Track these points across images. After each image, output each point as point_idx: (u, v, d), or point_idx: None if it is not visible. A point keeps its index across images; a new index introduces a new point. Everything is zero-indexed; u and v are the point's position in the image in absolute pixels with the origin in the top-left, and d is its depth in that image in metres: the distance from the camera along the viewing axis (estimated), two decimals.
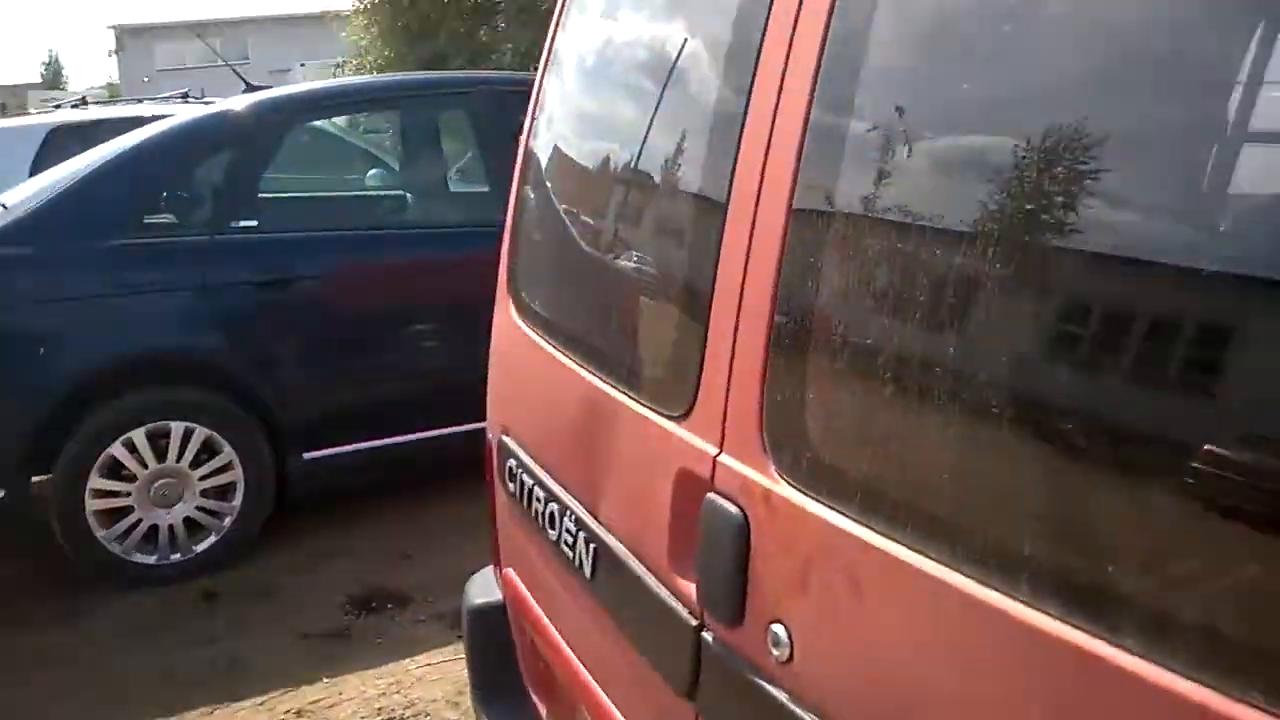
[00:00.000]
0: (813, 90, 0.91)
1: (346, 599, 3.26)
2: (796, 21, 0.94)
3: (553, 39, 1.58)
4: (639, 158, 1.31)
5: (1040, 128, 0.71)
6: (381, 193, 4.91)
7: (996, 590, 0.70)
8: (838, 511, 0.85)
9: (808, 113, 0.91)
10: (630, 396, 1.22)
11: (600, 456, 1.31)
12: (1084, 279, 0.70)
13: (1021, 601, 0.68)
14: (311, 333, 3.60)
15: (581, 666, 1.38)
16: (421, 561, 3.49)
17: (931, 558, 0.76)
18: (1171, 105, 0.68)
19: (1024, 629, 0.67)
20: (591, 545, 1.30)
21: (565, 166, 1.55)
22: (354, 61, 18.86)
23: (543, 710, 1.68)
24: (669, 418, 1.11)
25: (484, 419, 1.76)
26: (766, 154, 0.96)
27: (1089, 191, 0.68)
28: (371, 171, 5.21)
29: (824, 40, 0.90)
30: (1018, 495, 0.74)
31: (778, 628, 0.92)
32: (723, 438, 1.01)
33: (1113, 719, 0.63)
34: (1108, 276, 0.69)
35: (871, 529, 0.82)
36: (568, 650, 1.43)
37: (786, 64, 0.95)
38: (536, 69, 1.62)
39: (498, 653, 1.79)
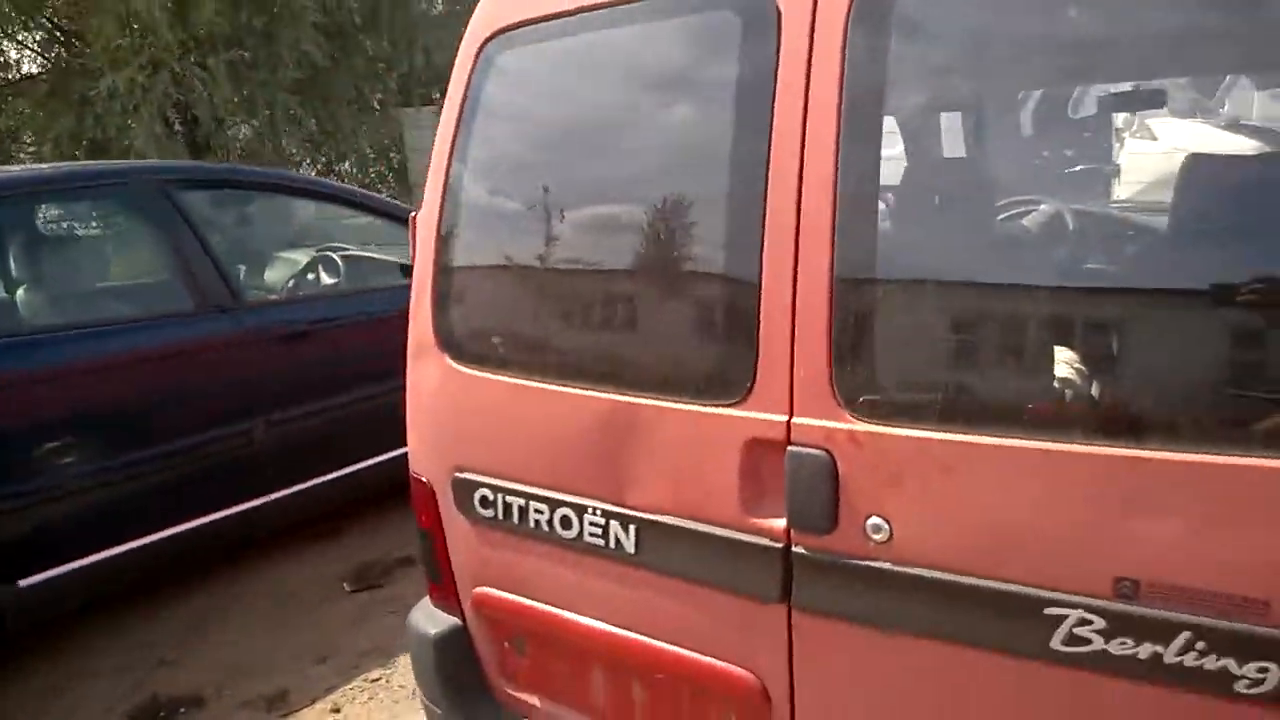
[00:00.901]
0: (838, 126, 1.35)
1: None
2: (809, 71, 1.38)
3: (466, 96, 1.78)
4: (637, 198, 1.62)
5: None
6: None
7: (1054, 442, 1.21)
8: (919, 429, 1.31)
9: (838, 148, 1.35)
10: (666, 400, 1.54)
11: (625, 455, 1.60)
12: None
13: (1076, 442, 1.20)
14: None
15: (622, 630, 1.67)
16: (186, 663, 3.25)
17: (999, 435, 1.25)
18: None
19: (1079, 460, 1.20)
20: (630, 527, 1.60)
21: (535, 220, 1.76)
22: None
23: (534, 701, 1.90)
24: (724, 405, 1.48)
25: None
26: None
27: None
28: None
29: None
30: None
31: (877, 520, 1.35)
32: (791, 407, 1.41)
33: (1149, 502, 1.17)
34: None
35: (948, 431, 1.29)
36: (598, 624, 1.71)
37: (807, 104, 1.37)
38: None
39: (467, 669, 1.96)
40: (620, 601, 1.68)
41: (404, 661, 3.17)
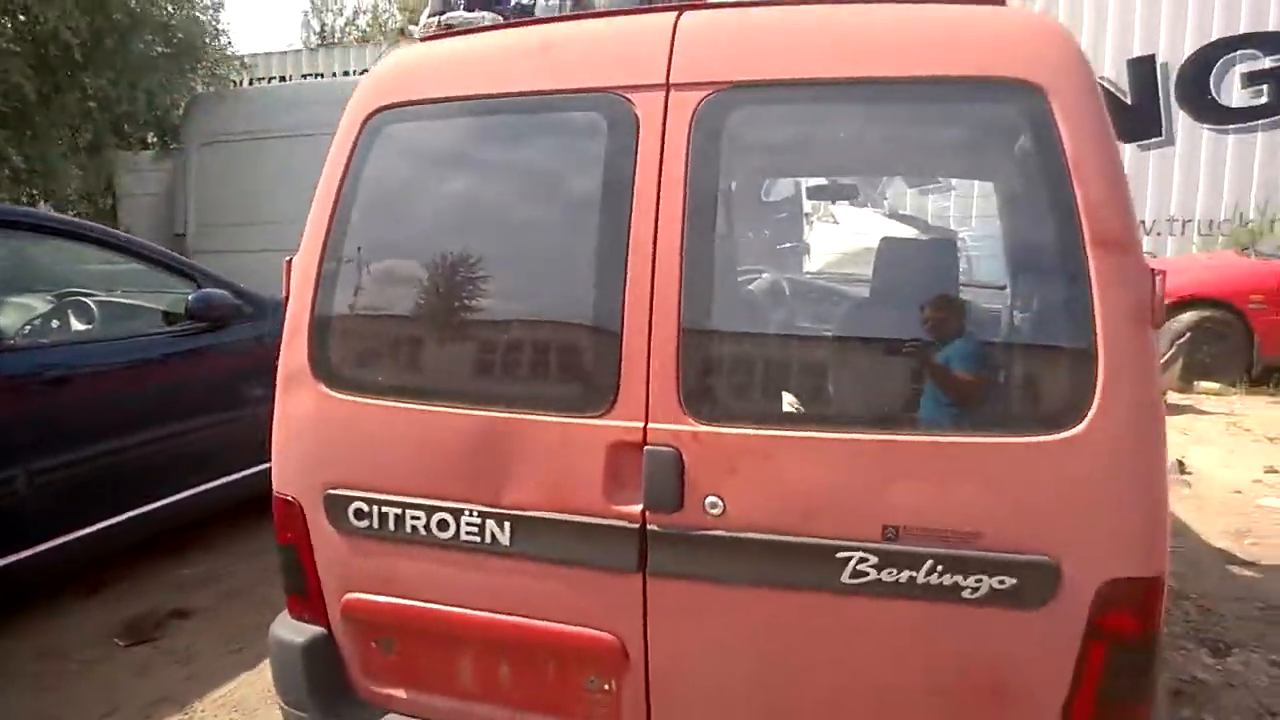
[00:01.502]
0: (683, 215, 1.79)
1: None
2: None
3: (351, 158, 2.05)
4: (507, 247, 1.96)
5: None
6: None
7: (833, 432, 1.71)
8: (745, 429, 1.76)
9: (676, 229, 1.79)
10: (540, 414, 1.89)
11: (499, 463, 1.92)
12: None
13: (845, 432, 1.71)
14: None
15: (499, 615, 1.96)
16: None
17: (800, 430, 1.73)
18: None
19: (849, 445, 1.70)
20: (505, 523, 1.92)
21: (414, 268, 2.03)
22: None
23: (400, 694, 2.12)
24: (591, 416, 1.85)
25: None
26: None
27: None
28: None
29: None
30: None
31: (713, 498, 1.77)
32: (647, 416, 1.81)
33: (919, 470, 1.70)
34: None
35: (765, 429, 1.75)
36: (471, 612, 1.99)
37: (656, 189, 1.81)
38: None
39: (333, 673, 2.14)
40: (494, 589, 1.97)
41: (201, 709, 3.16)
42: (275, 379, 2.12)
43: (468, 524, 1.95)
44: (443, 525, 1.97)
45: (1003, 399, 1.80)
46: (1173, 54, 10.26)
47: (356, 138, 2.05)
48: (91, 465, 3.77)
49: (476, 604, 2.00)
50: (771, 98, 1.84)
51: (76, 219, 4.22)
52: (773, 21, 1.85)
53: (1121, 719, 1.69)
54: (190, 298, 4.35)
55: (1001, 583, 1.66)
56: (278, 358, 2.11)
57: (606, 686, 1.93)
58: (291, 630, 2.18)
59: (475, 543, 1.95)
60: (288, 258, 2.14)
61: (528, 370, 2.01)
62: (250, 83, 13.25)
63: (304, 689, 2.14)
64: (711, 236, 1.81)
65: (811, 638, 1.79)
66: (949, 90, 1.76)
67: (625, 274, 1.82)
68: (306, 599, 2.16)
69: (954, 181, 7.10)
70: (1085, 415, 1.62)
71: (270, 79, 14.40)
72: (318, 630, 2.15)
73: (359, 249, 2.07)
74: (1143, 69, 10.37)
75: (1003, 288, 2.42)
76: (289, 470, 2.14)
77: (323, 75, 14.13)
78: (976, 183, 5.74)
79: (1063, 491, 1.64)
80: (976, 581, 1.67)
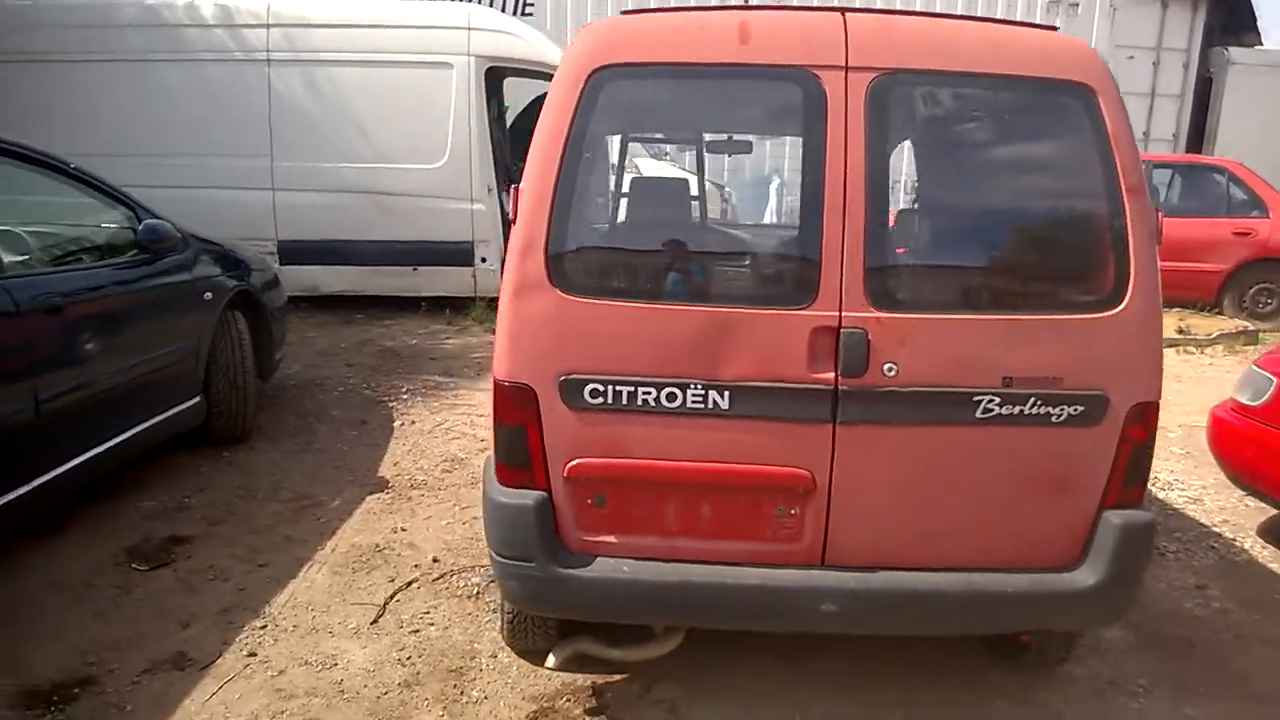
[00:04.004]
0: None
1: None
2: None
3: (577, 109, 2.47)
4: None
5: None
6: None
7: (969, 314, 2.51)
8: (912, 314, 2.49)
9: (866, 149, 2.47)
10: (756, 309, 2.50)
11: (721, 347, 2.49)
12: None
13: (977, 313, 2.51)
14: None
15: (707, 462, 2.55)
16: (32, 656, 2.98)
17: (950, 313, 2.51)
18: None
19: (977, 322, 2.51)
20: (725, 392, 2.51)
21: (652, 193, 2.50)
22: None
23: (611, 539, 2.63)
24: (798, 309, 2.49)
25: None
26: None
27: None
28: None
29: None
30: None
31: (889, 365, 2.49)
32: (840, 306, 2.48)
33: None
34: None
35: (926, 314, 2.50)
36: (686, 463, 2.55)
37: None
38: None
39: (549, 529, 2.61)
40: (710, 443, 2.56)
41: (276, 613, 3.36)
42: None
43: (693, 395, 2.52)
44: (671, 397, 2.52)
45: (1076, 289, 2.69)
46: None
47: (582, 90, 2.50)
48: (66, 400, 3.66)
49: (691, 456, 2.57)
50: (917, 81, 2.57)
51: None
52: (917, 27, 2.59)
53: (1134, 494, 2.66)
54: (140, 227, 4.24)
55: (1076, 410, 2.55)
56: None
57: (793, 512, 2.60)
58: (512, 495, 2.61)
59: (699, 409, 2.52)
60: (515, 184, 2.54)
61: (746, 277, 2.60)
62: None
63: (534, 542, 2.59)
64: (883, 179, 2.51)
65: (951, 458, 2.58)
66: (1031, 84, 2.59)
67: (823, 203, 2.48)
68: (529, 469, 2.60)
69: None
70: (1124, 298, 2.54)
71: None
72: (539, 493, 2.60)
73: (587, 180, 2.53)
74: None
75: None
76: (522, 361, 2.55)
77: None
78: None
79: (1111, 348, 2.56)
80: (1060, 410, 2.54)
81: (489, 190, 8.40)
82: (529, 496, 2.60)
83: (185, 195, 7.05)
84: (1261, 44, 13.77)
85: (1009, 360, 2.53)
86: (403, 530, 4.12)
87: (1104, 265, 2.59)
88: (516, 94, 9.25)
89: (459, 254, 8.46)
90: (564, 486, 2.61)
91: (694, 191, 3.39)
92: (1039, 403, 2.53)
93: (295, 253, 8.25)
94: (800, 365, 2.51)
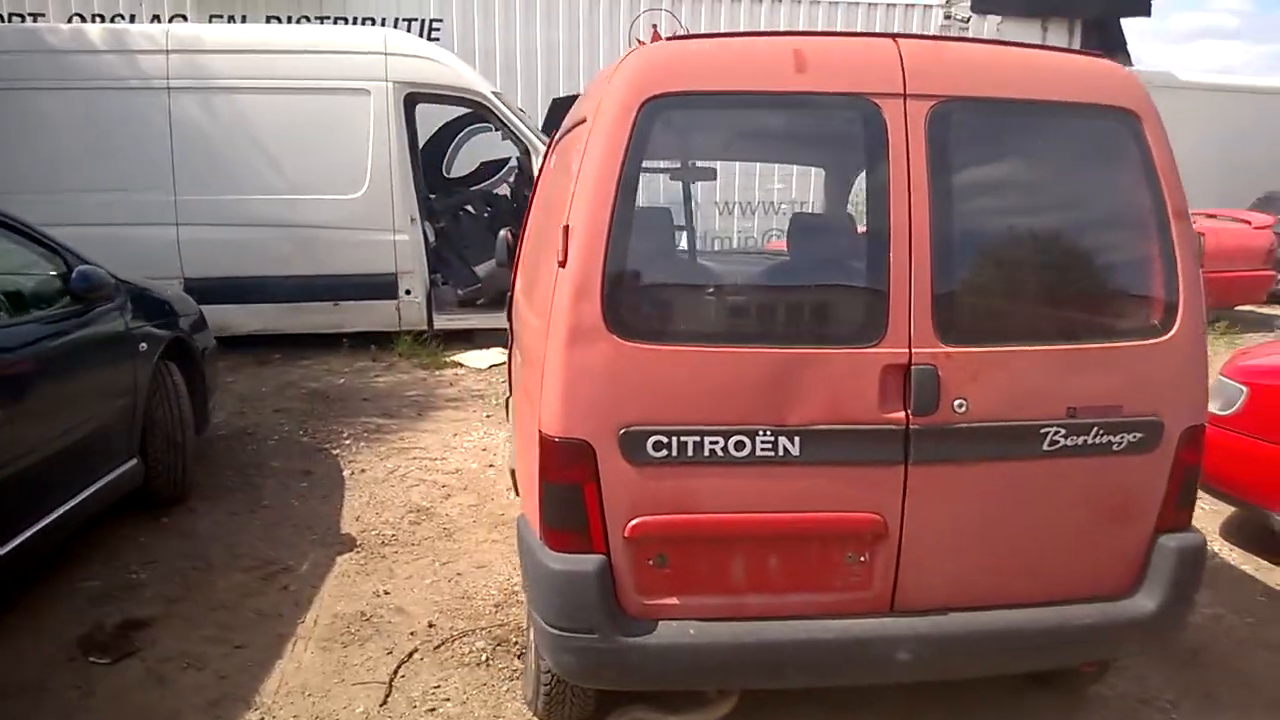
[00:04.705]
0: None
1: None
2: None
3: (631, 138, 2.31)
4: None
5: None
6: None
7: (1033, 346, 2.46)
8: (980, 348, 2.42)
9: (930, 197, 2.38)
10: (824, 349, 2.37)
11: (790, 389, 2.36)
12: None
13: (1043, 345, 2.47)
14: None
15: (776, 513, 2.41)
16: None
17: (1015, 346, 2.45)
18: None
19: (1045, 354, 2.47)
20: (795, 437, 2.38)
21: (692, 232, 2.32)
22: None
23: (673, 601, 2.45)
24: (866, 347, 2.38)
25: None
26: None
27: None
28: None
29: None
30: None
31: (959, 401, 2.41)
32: (910, 343, 2.39)
33: None
34: None
35: (993, 347, 2.43)
36: (754, 515, 2.40)
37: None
38: None
39: (611, 596, 2.41)
40: (779, 492, 2.41)
41: (268, 702, 3.03)
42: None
43: (762, 442, 2.37)
44: (739, 445, 2.36)
45: (1130, 315, 2.67)
46: None
47: (635, 120, 2.33)
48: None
49: (760, 507, 2.42)
50: (973, 108, 2.51)
51: None
52: (968, 53, 2.53)
53: (1184, 517, 2.66)
54: (74, 274, 3.81)
55: (1135, 436, 2.53)
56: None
57: (862, 558, 2.49)
58: (567, 562, 2.40)
59: (769, 456, 2.38)
60: (564, 223, 2.35)
61: (812, 316, 2.47)
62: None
63: (596, 612, 2.38)
64: (946, 210, 2.44)
65: (1017, 493, 2.52)
66: (1080, 110, 2.57)
67: (889, 238, 2.38)
68: (584, 530, 2.39)
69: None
70: (1175, 323, 2.54)
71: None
72: (598, 557, 2.40)
73: (643, 217, 2.35)
74: None
75: None
76: (578, 415, 2.35)
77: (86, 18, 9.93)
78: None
79: (1164, 374, 2.55)
80: (1120, 438, 2.52)
81: (411, 220, 8.07)
82: (588, 562, 2.40)
83: (79, 233, 6.38)
84: (1132, 66, 14.69)
85: (1072, 390, 2.49)
86: (386, 594, 3.81)
87: (1155, 290, 2.59)
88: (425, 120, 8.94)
89: (382, 287, 8.07)
90: (624, 547, 2.42)
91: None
92: (1101, 431, 2.50)
93: (204, 291, 7.59)
94: (871, 405, 2.40)
